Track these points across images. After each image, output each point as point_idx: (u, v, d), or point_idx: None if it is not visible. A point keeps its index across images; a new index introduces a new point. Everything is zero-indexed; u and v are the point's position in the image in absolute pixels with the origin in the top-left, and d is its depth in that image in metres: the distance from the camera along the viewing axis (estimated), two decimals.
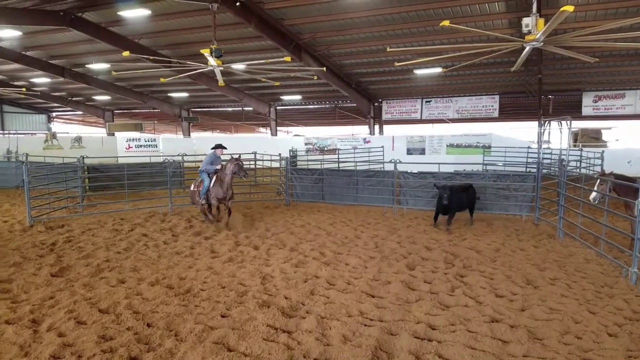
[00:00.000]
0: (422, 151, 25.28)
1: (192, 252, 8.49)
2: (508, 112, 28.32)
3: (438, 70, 19.30)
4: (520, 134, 29.08)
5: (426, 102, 25.83)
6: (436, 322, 5.34)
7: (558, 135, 18.70)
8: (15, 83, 26.81)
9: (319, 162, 20.39)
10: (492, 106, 24.42)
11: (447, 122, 28.07)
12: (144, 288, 6.47)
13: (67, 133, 33.34)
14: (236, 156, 10.95)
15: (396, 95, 26.08)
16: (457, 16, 14.84)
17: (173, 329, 5.13)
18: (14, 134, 29.29)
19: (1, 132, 32.13)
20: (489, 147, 23.40)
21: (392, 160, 13.19)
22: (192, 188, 11.27)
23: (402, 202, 13.12)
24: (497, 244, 9.19)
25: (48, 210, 11.98)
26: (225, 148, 11.18)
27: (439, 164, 13.47)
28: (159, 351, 4.58)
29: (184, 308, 5.74)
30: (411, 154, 25.20)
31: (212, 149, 11.04)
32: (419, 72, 20.55)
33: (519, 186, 12.23)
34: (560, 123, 18.42)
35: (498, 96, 24.20)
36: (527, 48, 9.20)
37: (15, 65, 23.02)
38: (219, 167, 10.69)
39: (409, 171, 13.48)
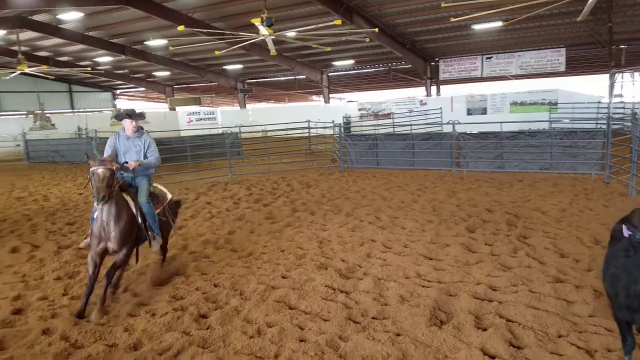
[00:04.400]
0: (484, 111, 24.24)
1: (252, 218, 8.80)
2: (575, 66, 26.26)
3: (498, 24, 18.17)
4: (589, 89, 27.11)
5: (486, 58, 24.55)
6: (497, 283, 5.26)
7: (631, 88, 17.26)
8: (81, 63, 28.34)
9: (374, 128, 20.15)
10: (558, 60, 22.76)
11: (510, 79, 26.61)
12: (210, 251, 6.84)
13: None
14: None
15: (454, 53, 24.94)
16: None
17: (238, 289, 5.41)
18: (83, 112, 31.15)
19: (71, 110, 34.26)
20: (556, 103, 22.02)
21: (451, 122, 12.78)
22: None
23: (461, 165, 12.77)
24: (564, 204, 8.77)
25: None
26: (143, 117, 5.71)
27: (501, 123, 12.91)
28: (225, 309, 4.86)
29: (247, 269, 6.03)
30: (471, 114, 24.24)
31: (115, 117, 6.17)
32: (477, 27, 19.48)
33: (588, 143, 11.51)
34: (633, 74, 16.94)
35: (564, 49, 22.46)
36: None
37: (80, 46, 24.33)
38: (131, 163, 5.37)
39: (468, 132, 13.03)
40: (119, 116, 5.60)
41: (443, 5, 11.19)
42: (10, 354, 4.08)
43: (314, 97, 40.76)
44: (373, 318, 4.56)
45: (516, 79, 26.29)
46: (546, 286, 5.05)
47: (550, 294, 4.87)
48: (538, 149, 12.15)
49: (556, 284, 5.13)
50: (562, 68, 22.84)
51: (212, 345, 4.18)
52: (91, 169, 4.70)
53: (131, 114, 5.52)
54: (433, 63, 26.11)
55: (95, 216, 4.99)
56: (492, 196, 9.78)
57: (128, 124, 5.52)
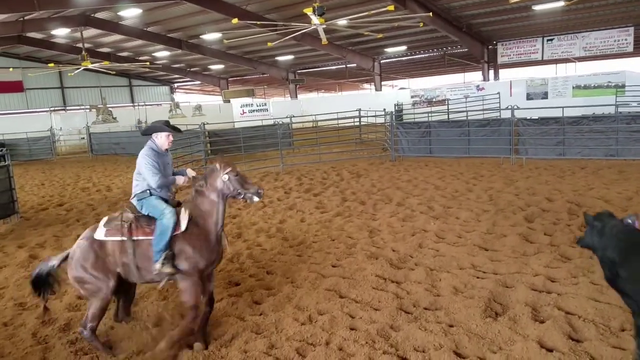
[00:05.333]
0: (545, 95, 23.14)
1: (303, 207, 8.89)
2: None
3: (560, 3, 17.14)
4: None
5: (548, 40, 23.29)
6: (556, 275, 5.02)
7: None
8: (140, 58, 29.59)
9: (427, 115, 19.70)
10: (626, 40, 21.21)
11: (573, 62, 25.10)
12: (262, 240, 6.99)
13: (188, 102, 36.22)
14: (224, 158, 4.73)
15: (513, 35, 23.82)
16: None
17: (289, 277, 5.50)
18: (142, 105, 32.56)
19: (132, 104, 35.91)
20: (623, 86, 20.64)
21: (509, 107, 12.25)
22: (97, 235, 4.27)
23: (520, 152, 12.23)
24: (630, 192, 8.24)
25: None
26: (180, 131, 4.84)
27: (562, 107, 12.23)
28: (278, 296, 4.97)
29: (298, 258, 6.11)
30: (532, 99, 23.19)
31: (146, 133, 4.60)
32: (538, 7, 18.44)
33: None
34: None
35: (632, 28, 20.89)
36: None
37: (139, 42, 25.42)
38: (183, 180, 4.49)
39: (528, 117, 12.45)
40: (158, 128, 4.44)
41: None
42: (75, 336, 4.37)
43: (365, 85, 40.39)
44: (425, 309, 4.49)
45: (579, 61, 24.75)
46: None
47: None
48: (603, 135, 11.43)
49: None
50: (630, 48, 21.30)
51: (265, 331, 4.28)
52: (230, 169, 4.26)
53: (174, 127, 4.57)
54: (490, 46, 25.08)
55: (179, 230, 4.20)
56: (552, 184, 9.31)
57: (165, 139, 4.43)
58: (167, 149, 4.51)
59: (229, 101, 34.80)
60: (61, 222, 8.93)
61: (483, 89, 24.60)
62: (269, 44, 15.79)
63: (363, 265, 5.63)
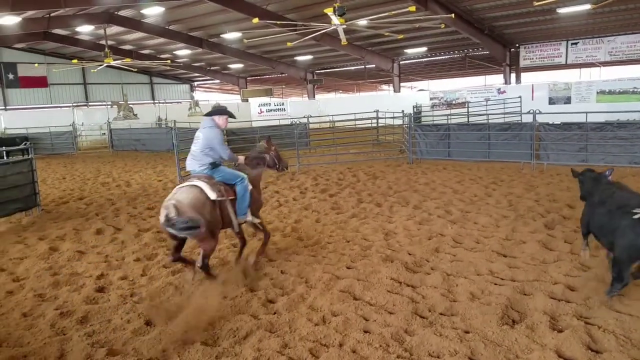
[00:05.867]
0: (568, 100, 22.76)
1: (318, 208, 8.87)
2: None
3: (586, 7, 16.78)
4: None
5: (572, 44, 22.87)
6: (576, 284, 4.92)
7: None
8: (161, 56, 29.94)
9: (446, 117, 19.51)
10: None
11: (598, 66, 24.58)
12: (278, 239, 7.00)
13: (208, 101, 36.53)
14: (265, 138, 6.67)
15: (536, 38, 23.45)
16: None
17: (304, 277, 5.49)
18: (162, 103, 32.94)
19: (152, 101, 36.37)
20: None
21: (531, 111, 12.06)
22: (212, 195, 5.28)
23: (542, 157, 12.02)
24: None
25: None
26: (233, 116, 6.00)
27: (586, 113, 11.99)
28: (292, 295, 4.96)
29: (313, 258, 6.10)
30: (554, 103, 22.84)
31: (209, 115, 5.81)
32: (562, 10, 18.11)
33: None
34: None
35: None
36: None
37: (160, 40, 25.71)
38: (241, 159, 6.02)
39: (550, 122, 12.25)
40: (222, 111, 5.79)
41: None
42: (92, 329, 4.44)
43: (383, 87, 40.22)
44: (441, 314, 4.43)
45: (604, 65, 24.25)
46: (631, 289, 4.64)
47: (635, 297, 4.49)
48: (627, 142, 11.14)
49: None
50: None
51: (279, 330, 4.28)
52: (274, 148, 6.42)
53: (229, 113, 5.87)
54: (513, 49, 24.73)
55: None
56: (574, 191, 9.06)
57: (224, 120, 5.79)
58: (221, 128, 5.76)
59: (247, 100, 34.99)
60: (81, 215, 9.09)
61: (504, 92, 24.28)
62: (289, 43, 15.83)
63: (378, 267, 5.59)
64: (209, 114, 5.77)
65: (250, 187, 5.72)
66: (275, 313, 4.63)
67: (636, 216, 4.12)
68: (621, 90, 21.36)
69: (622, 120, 13.65)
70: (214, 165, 5.55)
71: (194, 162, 5.61)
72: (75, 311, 4.81)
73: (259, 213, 6.10)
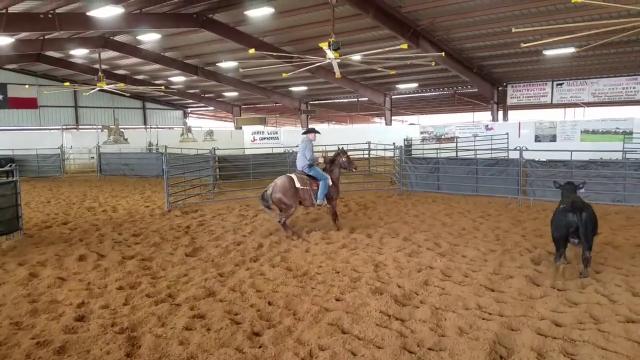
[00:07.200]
0: (553, 138, 23.30)
1: (308, 238, 8.83)
2: None
3: (570, 50, 17.41)
4: None
5: (557, 84, 23.57)
6: (563, 320, 4.91)
7: None
8: (156, 82, 30.15)
9: (435, 151, 19.77)
10: (634, 88, 21.56)
11: (582, 106, 25.29)
12: (266, 269, 6.91)
13: (200, 127, 36.59)
14: (342, 148, 9.84)
15: (523, 78, 24.15)
16: None
17: (291, 309, 5.40)
18: (154, 128, 32.92)
19: (144, 126, 36.37)
20: (630, 132, 20.82)
21: (518, 148, 12.28)
22: (298, 185, 8.98)
23: (528, 193, 12.18)
24: (638, 239, 8.20)
25: (184, 196, 13.33)
26: (319, 133, 9.64)
27: (571, 151, 12.25)
28: (278, 328, 4.85)
29: (302, 289, 6.01)
30: (540, 141, 23.34)
31: (304, 133, 9.43)
32: (548, 52, 18.75)
33: None
34: None
35: None
36: None
37: (156, 66, 25.91)
38: (321, 159, 9.56)
39: (536, 159, 12.48)
40: (312, 130, 9.46)
41: (514, 30, 10.86)
42: None
43: (376, 119, 40.79)
44: (429, 349, 4.38)
45: (588, 106, 24.98)
46: (617, 326, 4.69)
47: (620, 335, 4.51)
48: (610, 180, 11.42)
49: (628, 324, 4.76)
50: (639, 96, 21.60)
51: None
52: (346, 155, 9.49)
53: (316, 130, 9.54)
54: (501, 88, 25.38)
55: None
56: None
57: (314, 135, 9.35)
58: (312, 140, 9.25)
59: (240, 128, 35.17)
60: (64, 241, 8.87)
61: (492, 128, 24.75)
62: (284, 74, 16.06)
63: (367, 300, 5.53)
64: (304, 133, 9.39)
65: (330, 183, 9.06)
66: (260, 347, 4.52)
67: (561, 207, 6.46)
68: (604, 130, 21.94)
69: (605, 159, 13.94)
70: (310, 166, 9.01)
71: (299, 162, 9.20)
72: (52, 341, 4.62)
73: (337, 201, 9.58)
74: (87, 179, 21.03)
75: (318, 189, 8.99)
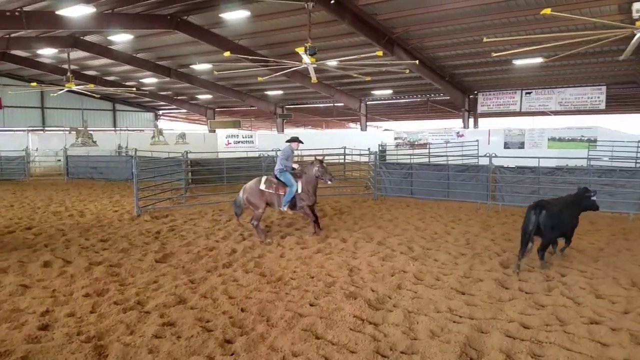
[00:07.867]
0: (521, 145, 23.96)
1: (283, 243, 8.79)
2: (616, 104, 25.84)
3: (539, 60, 17.90)
4: (629, 127, 26.37)
5: (526, 93, 24.26)
6: (530, 322, 5.06)
7: None
8: (127, 83, 29.54)
9: (409, 157, 20.03)
10: (599, 97, 22.44)
11: (549, 115, 26.10)
12: (239, 275, 6.83)
13: (172, 130, 36.05)
14: (319, 157, 9.79)
15: (493, 86, 24.78)
16: (559, 4, 13.66)
17: (265, 315, 5.36)
18: (124, 130, 32.21)
19: (114, 128, 35.56)
20: (595, 140, 21.61)
21: (488, 154, 12.57)
22: (262, 187, 9.10)
23: (497, 199, 12.47)
24: (601, 243, 8.53)
25: (154, 201, 13.02)
26: (302, 142, 9.57)
27: (538, 158, 12.60)
28: (251, 335, 4.80)
29: (275, 295, 5.98)
30: (509, 148, 23.96)
31: (288, 142, 9.49)
32: (518, 62, 19.30)
33: (627, 182, 11.17)
34: None
35: (605, 87, 22.21)
36: (638, 35, 8.28)
37: (127, 67, 25.39)
38: (296, 165, 9.39)
39: (505, 166, 12.80)
40: (294, 139, 9.46)
41: (485, 40, 11.11)
42: None
43: (351, 124, 41.06)
44: (402, 352, 4.43)
45: (555, 114, 25.82)
46: (581, 327, 4.88)
47: (584, 336, 4.69)
48: (575, 186, 11.74)
49: (591, 325, 4.95)
50: (603, 106, 22.50)
51: None
52: (320, 164, 9.13)
53: (299, 140, 9.52)
54: (471, 96, 25.98)
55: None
56: None
57: (295, 144, 9.39)
58: (294, 150, 9.33)
59: (214, 131, 34.79)
60: (28, 246, 8.52)
61: (463, 135, 25.28)
62: (260, 78, 15.99)
63: (341, 305, 5.54)
64: (287, 141, 9.45)
65: (298, 191, 9.01)
66: (232, 354, 4.46)
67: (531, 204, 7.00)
68: (570, 138, 22.71)
69: (571, 166, 14.40)
70: (281, 171, 9.08)
71: (276, 166, 9.27)
72: (14, 351, 4.44)
73: (313, 208, 9.37)
74: (54, 182, 20.33)
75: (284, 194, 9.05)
